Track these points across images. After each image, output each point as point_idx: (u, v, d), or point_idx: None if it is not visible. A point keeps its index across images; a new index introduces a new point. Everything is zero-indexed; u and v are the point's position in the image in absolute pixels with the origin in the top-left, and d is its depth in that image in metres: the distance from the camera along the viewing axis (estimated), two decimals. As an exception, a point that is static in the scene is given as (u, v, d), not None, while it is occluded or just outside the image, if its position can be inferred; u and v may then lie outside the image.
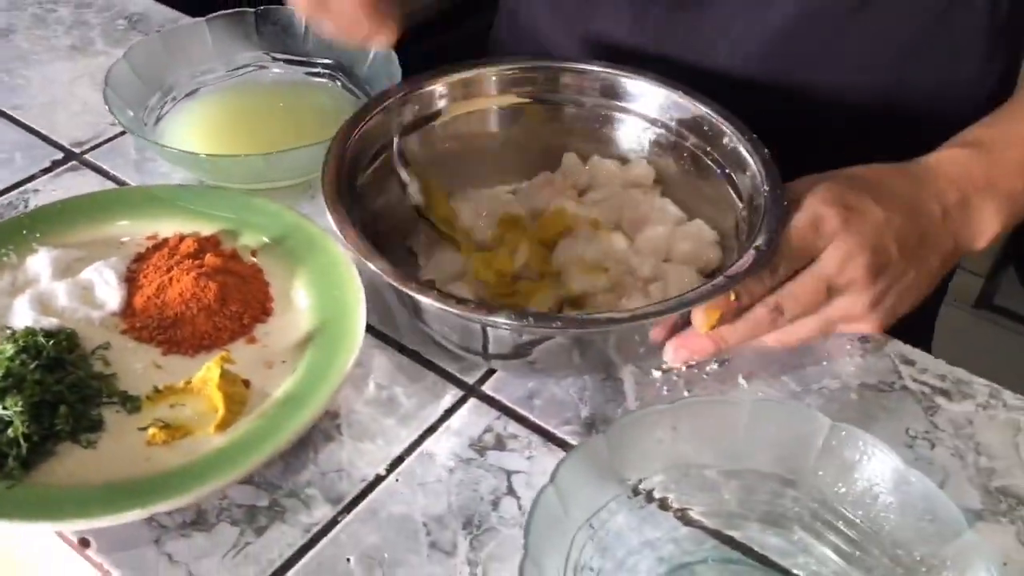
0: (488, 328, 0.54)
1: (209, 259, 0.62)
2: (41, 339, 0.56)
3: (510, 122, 0.69)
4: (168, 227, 0.67)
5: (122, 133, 0.78)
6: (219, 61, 0.80)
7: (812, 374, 0.60)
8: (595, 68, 0.67)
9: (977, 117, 0.63)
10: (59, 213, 0.66)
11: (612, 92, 0.66)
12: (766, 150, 0.60)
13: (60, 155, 0.76)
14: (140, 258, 0.65)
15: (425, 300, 0.52)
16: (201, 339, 0.59)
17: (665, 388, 0.60)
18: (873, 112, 0.68)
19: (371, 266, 0.54)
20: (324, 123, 0.76)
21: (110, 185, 0.73)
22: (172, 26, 0.82)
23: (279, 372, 0.58)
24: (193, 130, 0.76)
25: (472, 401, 0.59)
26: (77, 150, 0.76)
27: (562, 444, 0.56)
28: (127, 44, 0.87)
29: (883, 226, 0.54)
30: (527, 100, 0.68)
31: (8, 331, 0.59)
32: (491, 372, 0.60)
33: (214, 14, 0.79)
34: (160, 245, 0.66)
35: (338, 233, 0.56)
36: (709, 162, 0.64)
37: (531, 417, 0.58)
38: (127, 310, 0.61)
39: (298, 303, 0.62)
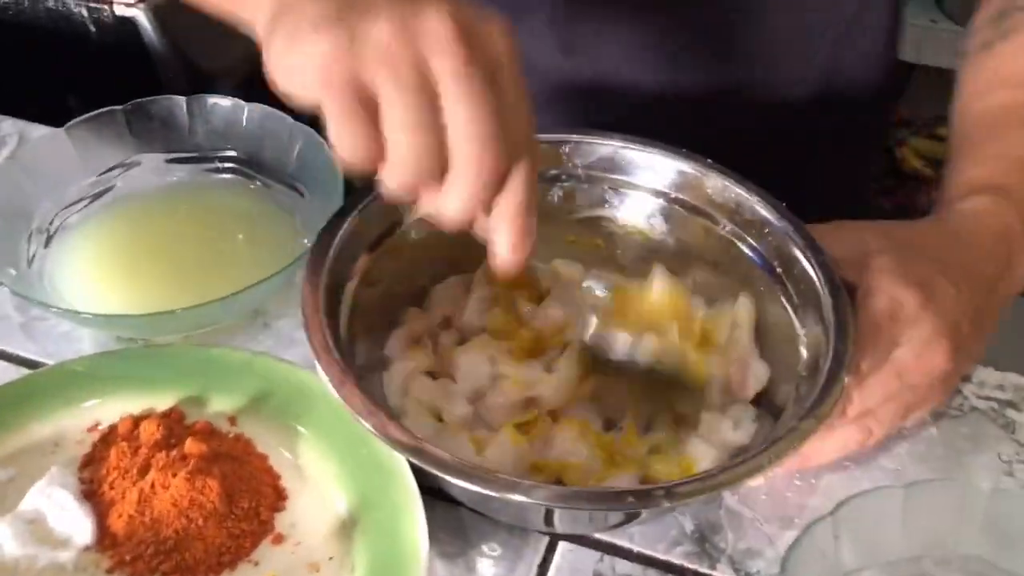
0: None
1: (191, 446, 0.49)
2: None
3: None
4: (110, 410, 0.53)
5: (-13, 291, 0.62)
6: (90, 175, 0.65)
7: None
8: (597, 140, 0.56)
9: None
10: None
11: (615, 165, 0.57)
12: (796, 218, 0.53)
13: (-88, 338, 0.59)
14: (90, 461, 0.51)
15: (477, 489, 0.42)
16: (220, 556, 0.47)
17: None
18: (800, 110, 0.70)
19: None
20: (253, 231, 0.65)
21: (5, 368, 0.57)
22: (24, 144, 0.65)
23: (334, 573, 0.47)
24: (86, 269, 0.61)
25: (563, 545, 0.50)
26: (-67, 326, 0.60)
27: (682, 571, 0.49)
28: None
29: (955, 303, 0.49)
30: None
31: (-44, 616, 0.44)
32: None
33: (73, 120, 0.64)
34: (110, 437, 0.52)
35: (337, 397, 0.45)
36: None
37: (635, 548, 0.50)
38: (105, 539, 0.47)
39: (315, 476, 0.51)
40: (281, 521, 0.49)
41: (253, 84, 1.08)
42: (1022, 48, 0.60)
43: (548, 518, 0.48)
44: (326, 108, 0.38)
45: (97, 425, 0.53)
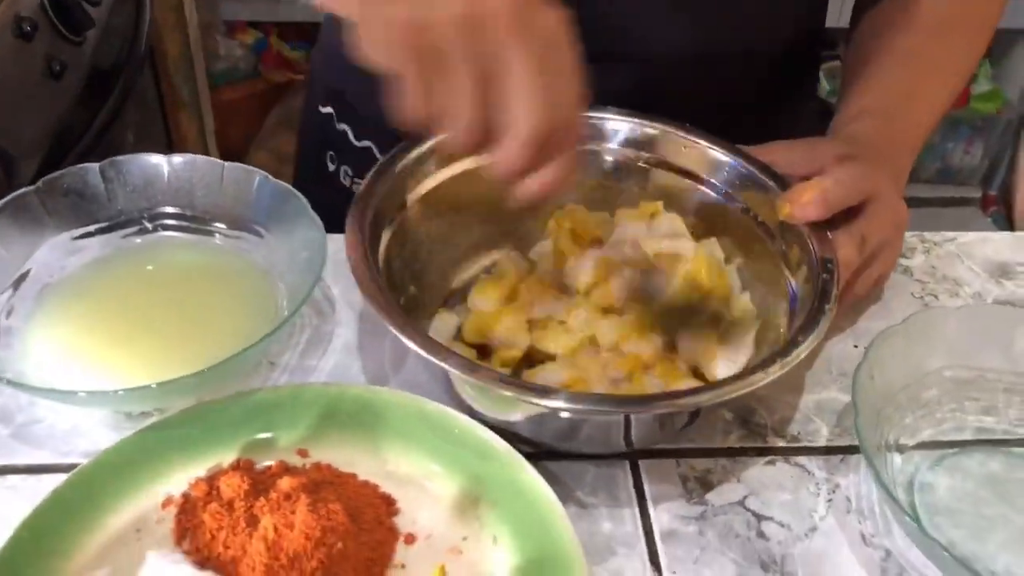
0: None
1: (288, 483, 0.49)
2: None
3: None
4: (175, 481, 0.51)
5: (-46, 412, 0.56)
6: (18, 265, 0.61)
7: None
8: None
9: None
10: (30, 553, 0.47)
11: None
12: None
13: (-102, 481, 0.52)
14: (184, 534, 0.49)
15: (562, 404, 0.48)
16: (370, 570, 0.48)
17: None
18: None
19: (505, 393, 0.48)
20: (220, 282, 0.64)
21: (25, 481, 0.53)
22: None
23: (475, 551, 0.49)
24: (54, 359, 0.57)
25: (643, 463, 0.56)
26: (-86, 463, 0.53)
27: (743, 451, 0.57)
28: None
29: (890, 179, 0.61)
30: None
31: None
32: (627, 424, 0.57)
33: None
34: (189, 505, 0.50)
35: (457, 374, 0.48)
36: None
37: (700, 446, 0.57)
38: (249, 593, 0.47)
39: (411, 474, 0.52)
40: (403, 522, 0.51)
41: (56, 158, 1.02)
42: None
43: (627, 428, 0.53)
44: (403, 68, 0.43)
45: (170, 499, 0.51)
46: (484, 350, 0.59)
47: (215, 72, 2.01)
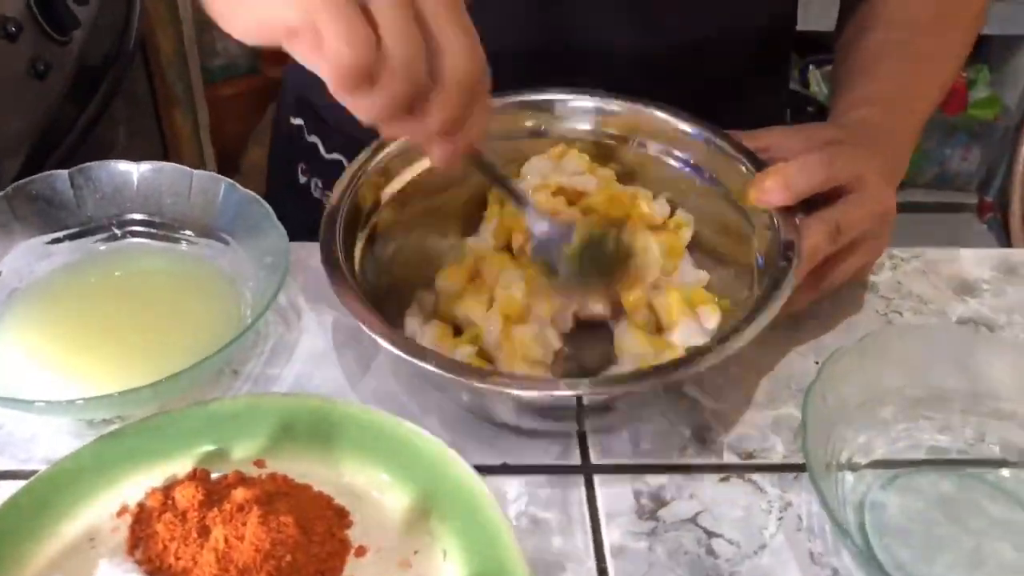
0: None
1: (241, 495, 0.50)
2: None
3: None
4: (130, 490, 0.52)
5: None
6: (-14, 273, 0.61)
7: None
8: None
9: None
10: (-13, 551, 0.48)
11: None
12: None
13: None
14: (136, 543, 0.50)
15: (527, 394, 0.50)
16: (319, 582, 0.48)
17: (716, 375, 0.63)
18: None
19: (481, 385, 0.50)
20: (185, 289, 0.64)
21: (-28, 485, 0.54)
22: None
23: (425, 565, 0.50)
24: (31, 359, 0.58)
25: (598, 478, 0.56)
26: None
27: (697, 468, 0.57)
28: None
29: (881, 169, 0.61)
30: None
31: None
32: (583, 439, 0.58)
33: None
34: (144, 514, 0.51)
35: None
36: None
37: (655, 462, 0.57)
38: (197, 606, 0.47)
39: (365, 486, 0.53)
40: (355, 535, 0.51)
41: (41, 157, 1.03)
42: None
43: (580, 409, 0.54)
44: (321, 15, 0.40)
45: (125, 508, 0.51)
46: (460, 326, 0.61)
47: (212, 68, 2.01)
